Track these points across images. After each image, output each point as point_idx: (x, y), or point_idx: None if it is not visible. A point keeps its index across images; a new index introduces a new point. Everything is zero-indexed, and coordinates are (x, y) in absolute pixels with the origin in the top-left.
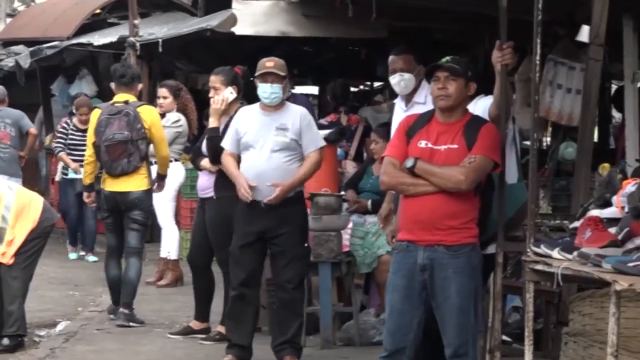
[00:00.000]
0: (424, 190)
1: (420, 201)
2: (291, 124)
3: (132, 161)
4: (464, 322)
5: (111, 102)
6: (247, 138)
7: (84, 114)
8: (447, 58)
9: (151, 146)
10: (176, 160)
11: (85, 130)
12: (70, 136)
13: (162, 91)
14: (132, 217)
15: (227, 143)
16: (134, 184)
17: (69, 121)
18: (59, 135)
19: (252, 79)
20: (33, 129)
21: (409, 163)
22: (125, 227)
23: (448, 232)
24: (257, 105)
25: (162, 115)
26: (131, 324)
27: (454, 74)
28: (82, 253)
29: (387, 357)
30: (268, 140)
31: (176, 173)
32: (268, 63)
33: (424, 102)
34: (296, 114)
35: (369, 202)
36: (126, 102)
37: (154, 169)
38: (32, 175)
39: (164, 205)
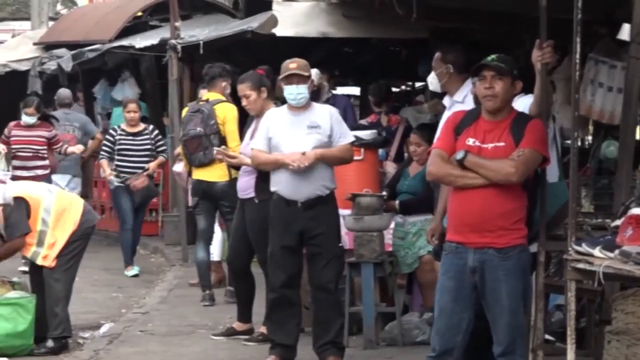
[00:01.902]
0: (473, 182)
1: (470, 201)
2: (322, 122)
3: (208, 154)
4: (514, 322)
5: (196, 100)
6: (278, 139)
7: (132, 111)
8: (493, 56)
9: None
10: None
11: (135, 134)
12: (121, 141)
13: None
14: (222, 207)
15: (259, 143)
16: (216, 174)
17: (116, 127)
18: (106, 142)
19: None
20: (99, 134)
21: (460, 155)
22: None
23: (498, 234)
24: (284, 107)
25: None
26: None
27: (500, 72)
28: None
29: (435, 357)
30: (301, 140)
31: None
32: (291, 65)
33: (462, 101)
34: (325, 112)
35: (397, 203)
36: (207, 101)
37: None
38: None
39: None
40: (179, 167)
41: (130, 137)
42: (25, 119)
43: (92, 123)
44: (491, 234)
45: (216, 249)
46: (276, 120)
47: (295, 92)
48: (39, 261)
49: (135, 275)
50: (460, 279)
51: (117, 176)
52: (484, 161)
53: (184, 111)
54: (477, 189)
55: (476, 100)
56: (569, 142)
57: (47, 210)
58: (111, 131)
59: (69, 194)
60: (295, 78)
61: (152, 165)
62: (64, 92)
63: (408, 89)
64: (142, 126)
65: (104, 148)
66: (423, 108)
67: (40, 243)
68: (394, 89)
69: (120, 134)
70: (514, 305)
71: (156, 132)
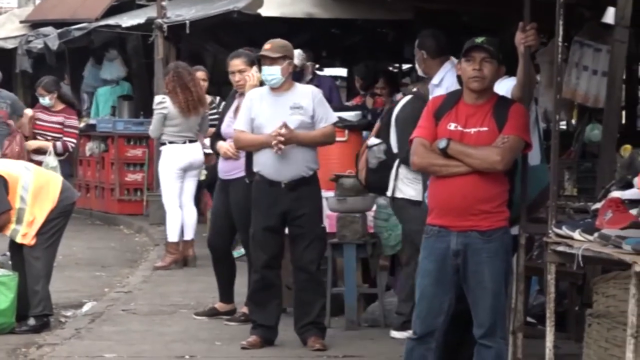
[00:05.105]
0: (457, 171)
1: (452, 185)
2: (305, 103)
3: None
4: (496, 304)
5: None
6: (261, 120)
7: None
8: (482, 38)
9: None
10: (170, 142)
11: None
12: None
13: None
14: None
15: (240, 124)
16: None
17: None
18: None
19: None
20: (28, 111)
21: (442, 144)
22: None
23: (481, 217)
24: (266, 87)
25: None
26: None
27: (490, 55)
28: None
29: (416, 339)
30: (284, 120)
31: (172, 155)
32: (265, 46)
33: (438, 84)
34: (307, 92)
35: None
36: None
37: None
38: None
39: (165, 187)
40: None
41: None
42: (41, 101)
43: (20, 101)
44: (475, 217)
45: (172, 230)
46: (258, 101)
47: (267, 74)
48: (19, 239)
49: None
50: (442, 262)
51: None
52: (468, 149)
53: None
54: (460, 175)
55: (460, 81)
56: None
57: (25, 188)
58: None
59: (47, 171)
60: (267, 60)
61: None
62: None
63: (395, 70)
64: (208, 99)
65: None
66: (409, 90)
67: (19, 221)
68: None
69: None
70: (497, 287)
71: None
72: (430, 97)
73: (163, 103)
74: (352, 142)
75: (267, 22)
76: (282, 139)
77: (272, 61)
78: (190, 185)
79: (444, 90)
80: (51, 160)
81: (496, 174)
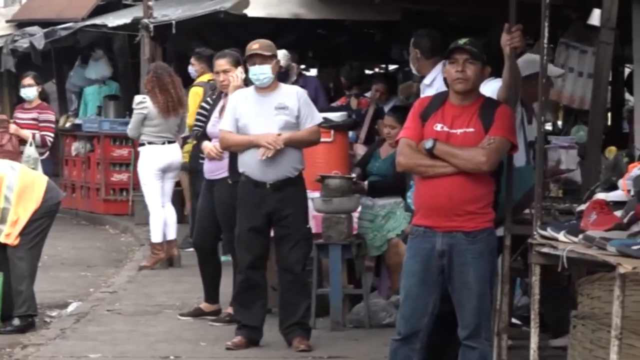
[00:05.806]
0: (443, 171)
1: (438, 186)
2: (290, 103)
3: None
4: (481, 305)
5: None
6: (246, 120)
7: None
8: (465, 40)
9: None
10: (149, 143)
11: None
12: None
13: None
14: None
15: (226, 124)
16: None
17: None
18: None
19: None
20: None
21: (428, 144)
22: None
23: (467, 218)
24: (251, 88)
25: None
26: None
27: (472, 56)
28: None
29: (400, 340)
30: (269, 121)
31: (151, 156)
32: (254, 45)
33: (429, 84)
34: (293, 92)
35: (366, 184)
36: None
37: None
38: None
39: (146, 188)
40: None
41: None
42: (25, 92)
43: None
44: (460, 218)
45: (154, 230)
46: (243, 101)
47: (258, 73)
48: (2, 239)
49: None
50: (427, 262)
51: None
52: (454, 150)
53: None
54: (446, 175)
55: (446, 83)
56: None
57: (10, 188)
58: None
59: (33, 171)
60: (257, 58)
61: None
62: None
63: (382, 71)
64: None
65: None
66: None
67: (2, 220)
68: (367, 71)
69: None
70: (482, 288)
71: None
72: (421, 96)
73: (143, 103)
74: (338, 143)
75: (253, 23)
76: (271, 150)
77: (264, 59)
78: (169, 186)
79: (434, 91)
80: (32, 151)
81: (482, 175)
